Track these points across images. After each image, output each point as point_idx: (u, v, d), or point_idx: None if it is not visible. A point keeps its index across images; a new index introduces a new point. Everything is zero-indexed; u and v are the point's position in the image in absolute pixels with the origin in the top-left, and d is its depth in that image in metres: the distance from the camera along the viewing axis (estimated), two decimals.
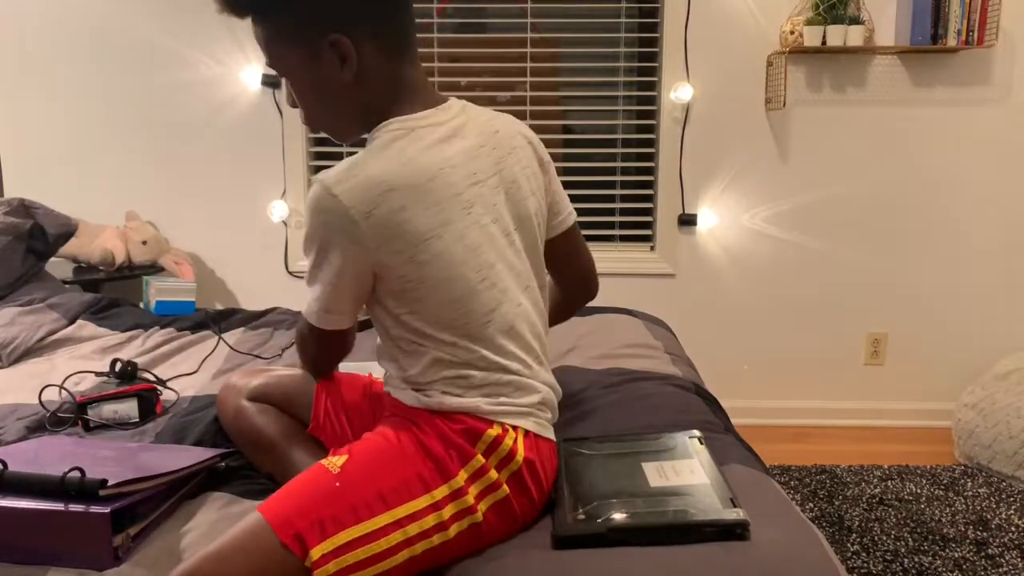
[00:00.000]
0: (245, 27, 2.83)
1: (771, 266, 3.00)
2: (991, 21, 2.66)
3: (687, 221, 2.97)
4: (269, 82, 2.90)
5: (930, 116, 2.87)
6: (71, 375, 1.70)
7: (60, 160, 3.00)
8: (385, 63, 1.08)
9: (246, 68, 2.91)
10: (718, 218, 2.97)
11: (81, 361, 1.89)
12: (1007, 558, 2.02)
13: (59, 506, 1.01)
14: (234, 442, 1.33)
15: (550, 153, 1.27)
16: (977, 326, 3.01)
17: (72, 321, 2.12)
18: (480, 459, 1.04)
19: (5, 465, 1.06)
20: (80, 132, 2.98)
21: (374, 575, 0.97)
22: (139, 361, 1.84)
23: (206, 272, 3.06)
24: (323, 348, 1.21)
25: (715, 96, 2.89)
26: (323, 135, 1.22)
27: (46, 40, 2.93)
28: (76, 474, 1.03)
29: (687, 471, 1.13)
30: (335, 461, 1.03)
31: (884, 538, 2.12)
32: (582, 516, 1.03)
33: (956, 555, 2.03)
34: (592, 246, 3.06)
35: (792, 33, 2.74)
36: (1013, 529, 2.16)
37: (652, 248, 3.04)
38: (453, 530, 1.01)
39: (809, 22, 2.71)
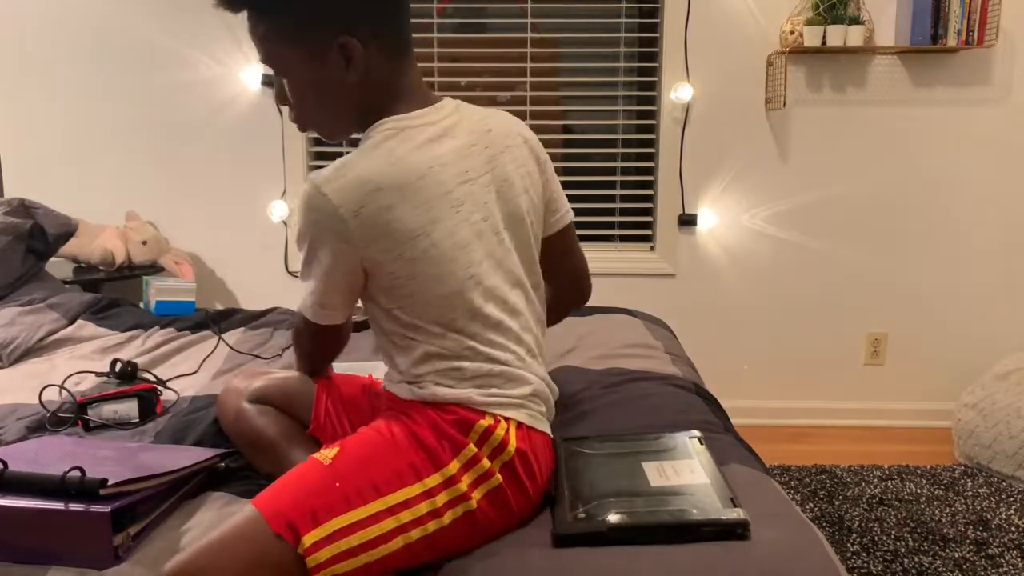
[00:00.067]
0: (245, 27, 2.83)
1: (771, 266, 3.00)
2: (991, 21, 2.66)
3: (687, 221, 2.97)
4: (269, 82, 2.90)
5: (930, 116, 2.87)
6: (71, 375, 1.70)
7: (60, 160, 3.00)
8: (385, 63, 1.09)
9: (246, 68, 2.91)
10: (718, 218, 2.97)
11: (81, 361, 1.89)
12: (1007, 558, 2.02)
13: (59, 505, 1.01)
14: (234, 444, 1.33)
15: (550, 153, 1.28)
16: (977, 326, 3.01)
17: (72, 321, 2.12)
18: (472, 448, 1.05)
19: (5, 465, 1.06)
20: (80, 132, 2.98)
21: (369, 562, 0.97)
22: (139, 361, 1.84)
23: (206, 272, 3.06)
24: (318, 343, 1.23)
25: (715, 96, 2.89)
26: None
27: (46, 40, 2.93)
28: (76, 473, 1.03)
29: (687, 471, 1.13)
30: (327, 453, 1.04)
31: (884, 538, 2.12)
32: (582, 515, 1.03)
33: (956, 555, 2.03)
34: (592, 246, 3.07)
35: (792, 33, 2.75)
36: (1013, 529, 2.16)
37: (652, 248, 3.04)
38: (448, 517, 1.02)
39: (809, 22, 2.71)
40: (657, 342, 1.93)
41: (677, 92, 2.86)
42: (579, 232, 3.04)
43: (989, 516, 2.24)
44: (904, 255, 2.97)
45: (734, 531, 0.99)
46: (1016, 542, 2.10)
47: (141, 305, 2.44)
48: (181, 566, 0.93)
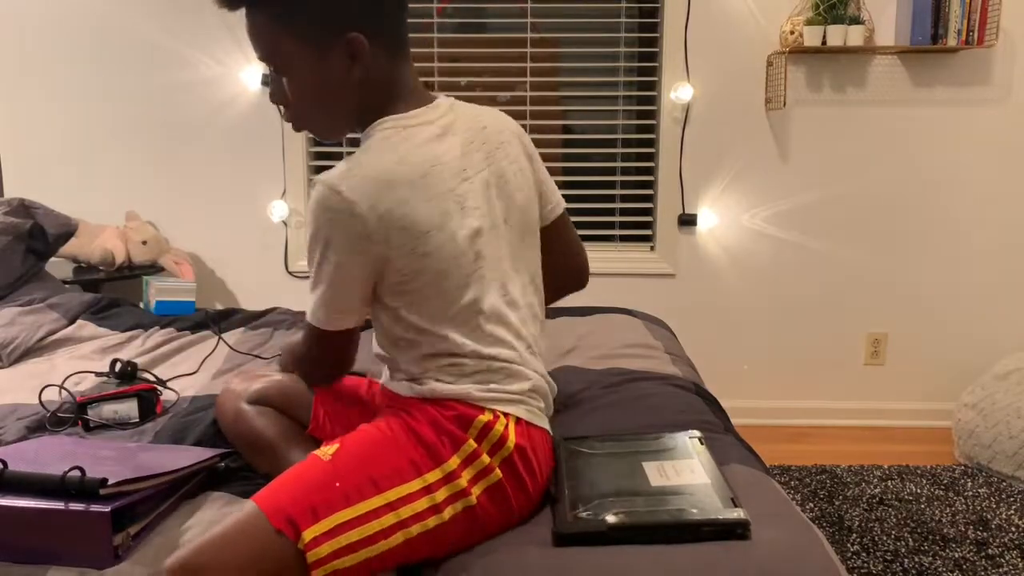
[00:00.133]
0: (245, 27, 2.83)
1: (771, 266, 3.00)
2: (991, 21, 2.66)
3: (687, 221, 2.97)
4: (269, 82, 2.90)
5: (930, 116, 2.87)
6: (71, 375, 1.70)
7: (60, 160, 3.00)
8: (385, 62, 1.09)
9: (246, 68, 2.91)
10: (718, 218, 2.97)
11: (81, 361, 1.89)
12: (1007, 558, 2.02)
13: (59, 505, 1.01)
14: (234, 446, 1.33)
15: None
16: (977, 326, 3.01)
17: (72, 321, 2.12)
18: (472, 444, 1.05)
19: (5, 465, 1.06)
20: (80, 132, 2.98)
21: (369, 557, 0.97)
22: (139, 361, 1.84)
23: (206, 272, 3.06)
24: (328, 351, 1.15)
25: (715, 96, 2.89)
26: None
27: (46, 40, 2.93)
28: (76, 473, 1.03)
29: (687, 471, 1.13)
30: (327, 450, 1.05)
31: (884, 538, 2.12)
32: (583, 514, 1.03)
33: (956, 555, 2.03)
34: (592, 246, 3.07)
35: (792, 33, 2.75)
36: (1013, 529, 2.16)
37: (652, 248, 3.04)
38: (448, 513, 1.02)
39: (809, 22, 2.71)
40: (657, 342, 1.93)
41: (677, 92, 2.86)
42: (579, 232, 3.05)
43: (989, 516, 2.24)
44: (904, 255, 2.97)
45: (734, 531, 0.99)
46: (1016, 542, 2.10)
47: (141, 305, 2.44)
48: (182, 562, 0.93)
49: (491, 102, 3.01)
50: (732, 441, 1.36)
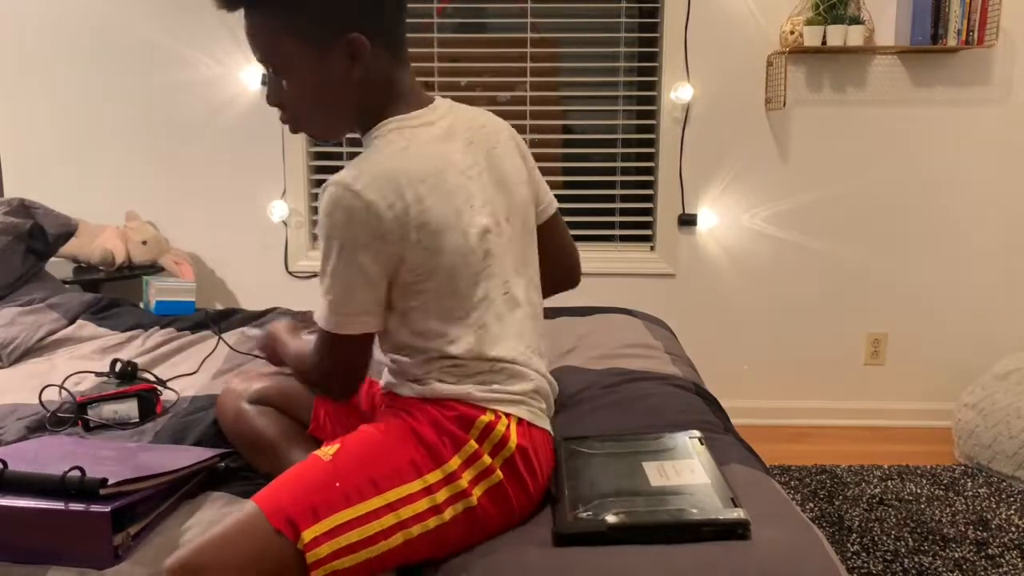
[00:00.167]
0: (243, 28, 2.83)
1: (771, 266, 3.00)
2: (991, 21, 2.66)
3: (687, 221, 2.97)
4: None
5: (930, 116, 2.87)
6: (71, 375, 1.70)
7: (60, 160, 3.00)
8: (385, 63, 1.09)
9: (246, 68, 2.91)
10: (718, 218, 2.97)
11: (81, 361, 1.89)
12: (1007, 558, 2.02)
13: (59, 505, 1.01)
14: (234, 446, 1.33)
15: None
16: (977, 326, 3.01)
17: (72, 321, 2.12)
18: (473, 444, 1.05)
19: (5, 465, 1.06)
20: (80, 132, 2.98)
21: (369, 558, 0.97)
22: (139, 361, 1.84)
23: (206, 272, 3.06)
24: (341, 359, 1.09)
25: (715, 96, 2.89)
26: None
27: (46, 40, 2.93)
28: (76, 473, 1.03)
29: (687, 471, 1.13)
30: (327, 450, 1.04)
31: (884, 538, 2.12)
32: (583, 514, 1.03)
33: (956, 555, 2.03)
34: (592, 246, 3.07)
35: (792, 33, 2.75)
36: (1013, 529, 2.16)
37: (652, 248, 3.04)
38: (448, 514, 1.02)
39: (809, 22, 2.71)
40: (657, 342, 1.93)
41: (677, 92, 2.86)
42: (579, 232, 3.06)
43: (989, 516, 2.24)
44: (904, 255, 2.97)
45: (734, 531, 0.99)
46: (1016, 542, 2.10)
47: (141, 305, 2.44)
48: (182, 562, 0.93)
49: (491, 102, 3.01)
50: (732, 441, 1.36)
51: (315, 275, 3.04)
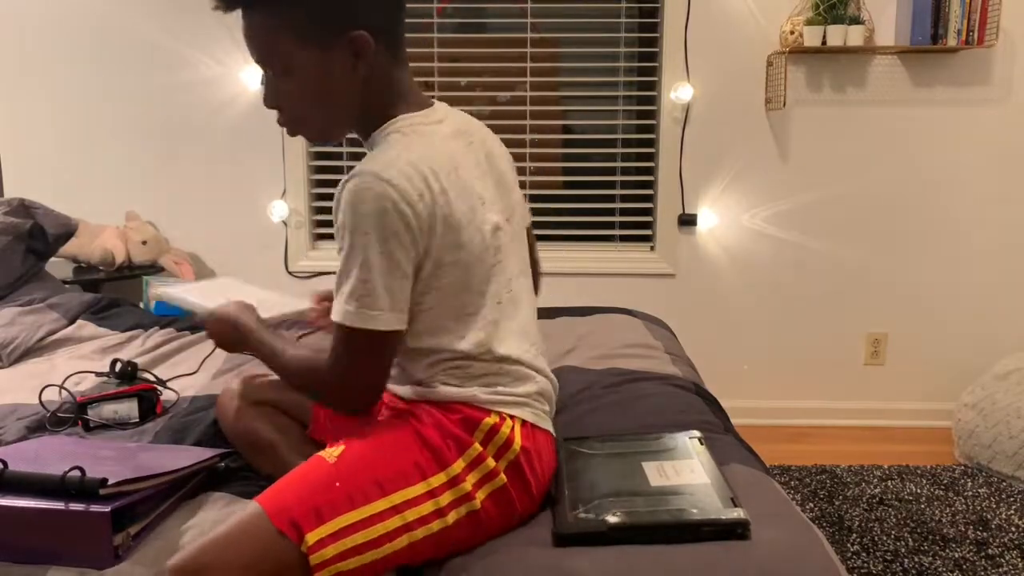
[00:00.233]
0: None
1: (771, 266, 3.00)
2: (991, 21, 2.66)
3: (687, 221, 2.97)
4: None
5: (930, 116, 2.87)
6: (71, 375, 1.70)
7: (60, 160, 3.00)
8: (386, 63, 1.08)
9: (246, 68, 2.91)
10: (718, 218, 2.97)
11: (81, 361, 1.89)
12: (1007, 558, 2.02)
13: (59, 505, 1.01)
14: (234, 446, 1.33)
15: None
16: (977, 326, 3.01)
17: (72, 321, 2.13)
18: (477, 447, 1.05)
19: (5, 465, 1.06)
20: (80, 132, 2.98)
21: (374, 559, 0.97)
22: (139, 361, 1.84)
23: (206, 272, 3.06)
24: (368, 360, 1.03)
25: (715, 96, 2.89)
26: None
27: (46, 40, 2.93)
28: (76, 473, 1.03)
29: (687, 471, 1.13)
30: (332, 452, 1.04)
31: (884, 538, 2.12)
32: (583, 514, 1.03)
33: (956, 555, 2.03)
34: (592, 246, 3.07)
35: (792, 33, 2.75)
36: (1013, 529, 2.16)
37: (652, 248, 3.04)
38: (451, 517, 1.02)
39: (809, 22, 2.71)
40: (657, 342, 1.93)
41: (677, 92, 2.86)
42: (579, 232, 3.07)
43: (989, 516, 2.24)
44: (904, 255, 2.97)
45: (734, 531, 0.99)
46: (1016, 542, 2.10)
47: (141, 305, 2.44)
48: (184, 563, 0.93)
49: (491, 102, 3.01)
50: (732, 441, 1.36)
51: (316, 275, 3.04)
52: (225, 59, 2.92)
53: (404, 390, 1.13)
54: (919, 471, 2.56)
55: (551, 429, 1.17)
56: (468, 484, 1.03)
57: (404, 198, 0.98)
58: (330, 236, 3.11)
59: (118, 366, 1.70)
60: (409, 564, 1.03)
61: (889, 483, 2.46)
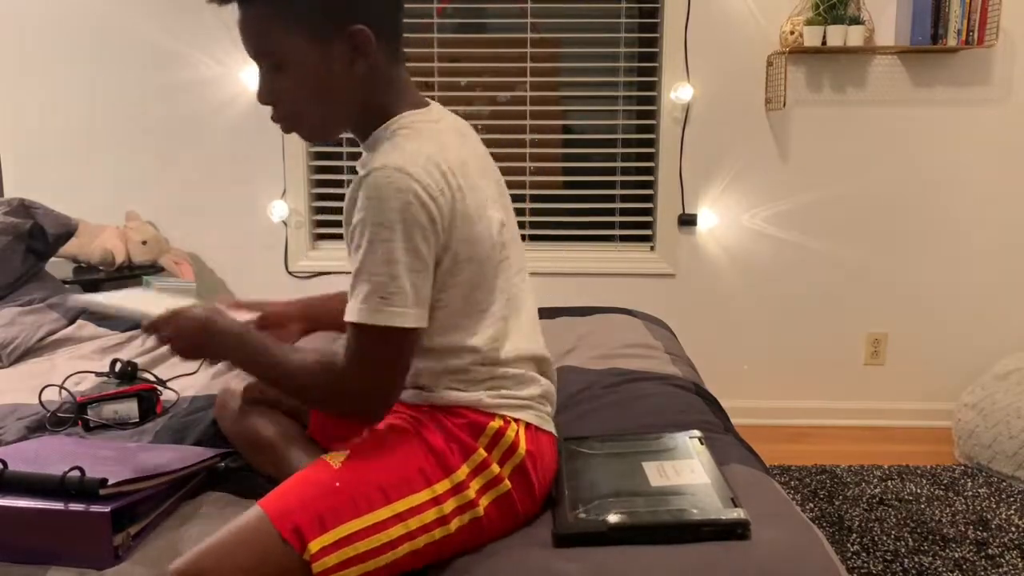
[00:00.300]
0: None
1: (771, 266, 3.00)
2: (991, 21, 2.66)
3: (687, 221, 2.97)
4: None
5: (930, 116, 2.87)
6: (71, 375, 1.70)
7: (60, 160, 3.00)
8: (385, 60, 1.07)
9: (246, 68, 2.91)
10: (718, 218, 2.97)
11: (81, 361, 1.89)
12: (1007, 558, 2.02)
13: (59, 505, 1.01)
14: (233, 445, 1.33)
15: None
16: (977, 326, 3.01)
17: (72, 321, 2.13)
18: (482, 453, 1.05)
19: (5, 465, 1.06)
20: (80, 132, 2.98)
21: (377, 567, 0.97)
22: (139, 361, 1.84)
23: (206, 272, 3.06)
24: (389, 361, 1.00)
25: (715, 96, 2.89)
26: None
27: (46, 40, 2.93)
28: (76, 473, 1.03)
29: (687, 471, 1.13)
30: (337, 456, 1.03)
31: (884, 538, 2.12)
32: (583, 515, 1.03)
33: (956, 555, 2.03)
34: (592, 246, 3.07)
35: (792, 33, 2.75)
36: (1013, 529, 2.16)
37: (652, 248, 3.04)
38: (454, 524, 1.02)
39: (809, 22, 2.71)
40: (657, 342, 1.93)
41: (677, 92, 2.86)
42: (579, 232, 3.07)
43: (989, 516, 2.24)
44: (904, 255, 2.97)
45: (734, 531, 0.99)
46: (1016, 542, 2.10)
47: None
48: (186, 566, 0.92)
49: (491, 102, 3.01)
50: (732, 441, 1.36)
51: (316, 275, 3.04)
52: (225, 59, 2.92)
53: (408, 395, 1.12)
54: (919, 471, 2.56)
55: (553, 430, 1.17)
56: (472, 491, 1.03)
57: (427, 191, 0.97)
58: (330, 236, 3.11)
59: (118, 366, 1.70)
60: (411, 569, 1.02)
61: (889, 483, 2.46)
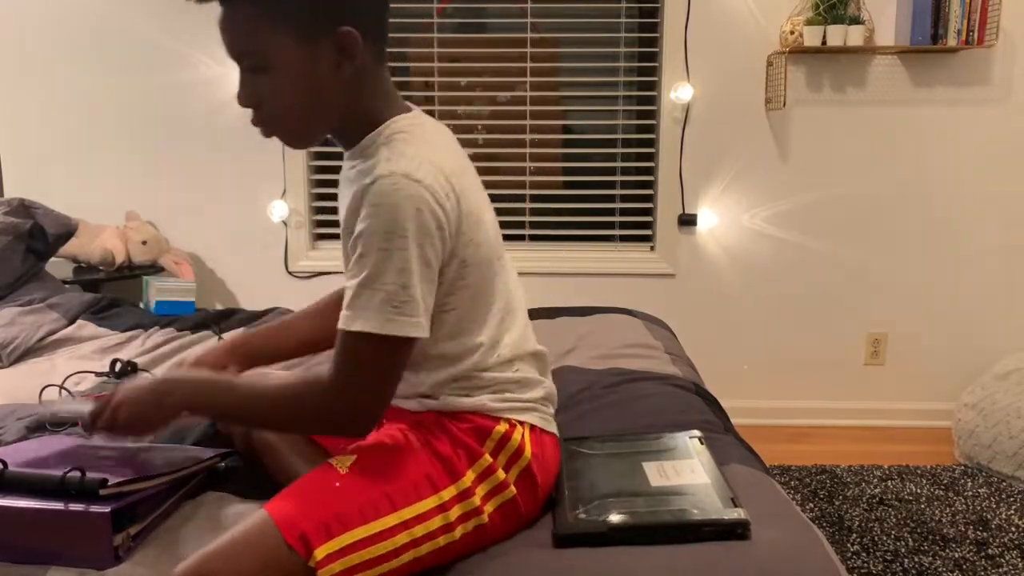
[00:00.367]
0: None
1: (771, 266, 3.00)
2: (991, 21, 2.66)
3: (687, 221, 2.97)
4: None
5: (930, 116, 2.87)
6: (71, 375, 1.70)
7: (60, 160, 3.00)
8: (371, 64, 1.03)
9: None
10: (718, 218, 2.97)
11: (81, 361, 1.88)
12: (1007, 558, 2.02)
13: (59, 505, 1.01)
14: (233, 445, 1.33)
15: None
16: (977, 326, 3.01)
17: (72, 321, 2.12)
18: (488, 458, 1.05)
19: (5, 465, 1.06)
20: (80, 132, 2.98)
21: (381, 574, 0.97)
22: (139, 361, 1.84)
23: (206, 272, 3.06)
24: (388, 372, 0.98)
25: (715, 96, 2.89)
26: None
27: (46, 40, 2.93)
28: (76, 474, 1.03)
29: (688, 471, 1.13)
30: (344, 461, 1.02)
31: (884, 538, 2.12)
32: (583, 515, 1.03)
33: (956, 555, 2.03)
34: (592, 246, 3.07)
35: (792, 33, 2.75)
36: (1013, 529, 2.16)
37: (652, 248, 3.04)
38: (459, 532, 1.01)
39: (809, 22, 2.71)
40: (657, 342, 1.93)
41: (677, 92, 2.86)
42: (579, 232, 3.07)
43: (989, 516, 2.24)
44: (904, 255, 2.97)
45: (734, 531, 0.99)
46: (1016, 542, 2.10)
47: (141, 305, 2.44)
48: (189, 570, 0.92)
49: (491, 102, 3.01)
50: (732, 441, 1.36)
51: (316, 275, 3.04)
52: (225, 59, 2.91)
53: (410, 403, 1.12)
54: (919, 471, 2.56)
55: (556, 431, 1.17)
56: (477, 498, 1.02)
57: (435, 198, 0.96)
58: (330, 236, 3.12)
59: (118, 366, 1.70)
60: (412, 573, 1.02)
61: (889, 483, 2.46)
